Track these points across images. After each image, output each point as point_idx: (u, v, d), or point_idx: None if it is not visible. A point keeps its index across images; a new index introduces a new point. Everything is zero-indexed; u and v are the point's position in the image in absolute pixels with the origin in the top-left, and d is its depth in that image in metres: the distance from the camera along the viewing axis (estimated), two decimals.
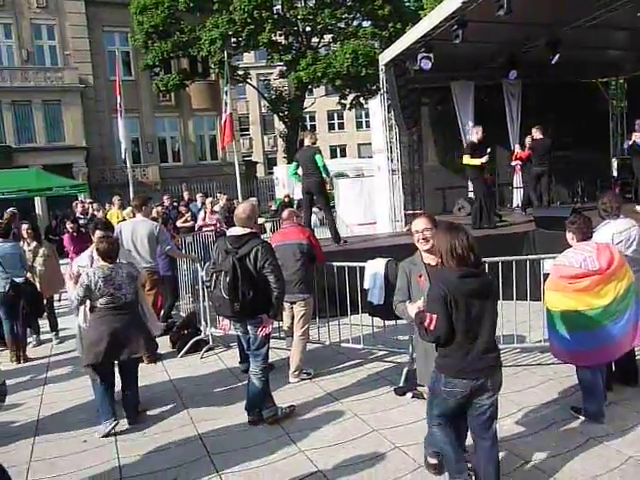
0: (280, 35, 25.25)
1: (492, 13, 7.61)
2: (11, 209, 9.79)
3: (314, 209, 9.50)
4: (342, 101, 27.36)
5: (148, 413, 4.81)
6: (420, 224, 3.71)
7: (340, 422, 4.39)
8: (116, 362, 4.62)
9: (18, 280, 6.39)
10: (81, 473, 3.83)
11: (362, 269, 5.56)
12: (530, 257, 6.16)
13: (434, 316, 2.94)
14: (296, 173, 7.79)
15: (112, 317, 4.48)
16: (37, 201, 18.94)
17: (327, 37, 26.56)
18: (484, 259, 5.28)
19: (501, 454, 3.52)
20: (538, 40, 9.91)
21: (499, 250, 5.97)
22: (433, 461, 3.47)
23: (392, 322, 5.49)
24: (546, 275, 4.55)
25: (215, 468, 3.81)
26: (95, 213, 11.63)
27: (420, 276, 3.58)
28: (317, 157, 7.55)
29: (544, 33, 9.62)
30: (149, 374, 5.80)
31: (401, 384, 4.95)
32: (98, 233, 5.02)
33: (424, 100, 12.26)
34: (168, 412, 4.83)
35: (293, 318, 5.43)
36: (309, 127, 38.04)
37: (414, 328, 3.51)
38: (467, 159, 8.78)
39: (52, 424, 4.68)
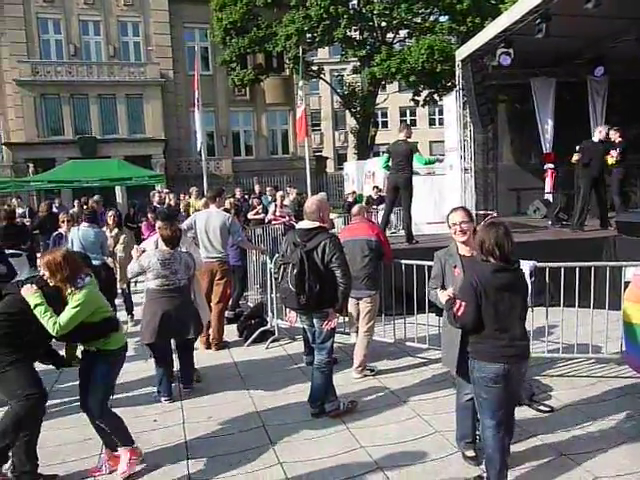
0: (355, 30, 25.19)
1: (579, 6, 7.25)
2: (97, 197, 10.36)
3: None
4: (415, 97, 26.94)
5: (219, 401, 4.96)
6: (457, 217, 3.72)
7: (402, 421, 4.36)
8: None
9: (95, 263, 6.70)
10: (153, 450, 4.02)
11: (430, 268, 5.46)
12: (610, 264, 5.85)
13: (463, 304, 3.15)
14: (387, 165, 7.76)
15: (165, 299, 4.82)
16: (117, 190, 19.93)
17: (402, 32, 26.21)
18: (561, 263, 5.15)
19: (568, 467, 3.39)
20: (628, 34, 9.33)
21: (577, 255, 5.70)
22: (470, 453, 3.64)
23: None
24: (627, 283, 4.31)
25: (277, 457, 3.89)
26: (171, 203, 12.09)
27: (455, 267, 3.63)
28: (416, 156, 7.57)
29: (634, 27, 9.05)
30: (216, 360, 6.02)
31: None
32: (159, 224, 5.30)
33: (501, 97, 11.87)
34: (233, 398, 4.96)
35: (359, 314, 5.43)
36: (381, 124, 37.78)
37: None
38: (610, 159, 8.32)
39: (121, 403, 4.92)
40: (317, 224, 4.29)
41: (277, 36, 23.43)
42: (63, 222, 6.99)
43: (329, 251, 4.15)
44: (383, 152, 8.08)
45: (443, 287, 3.64)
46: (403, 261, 5.83)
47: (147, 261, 4.88)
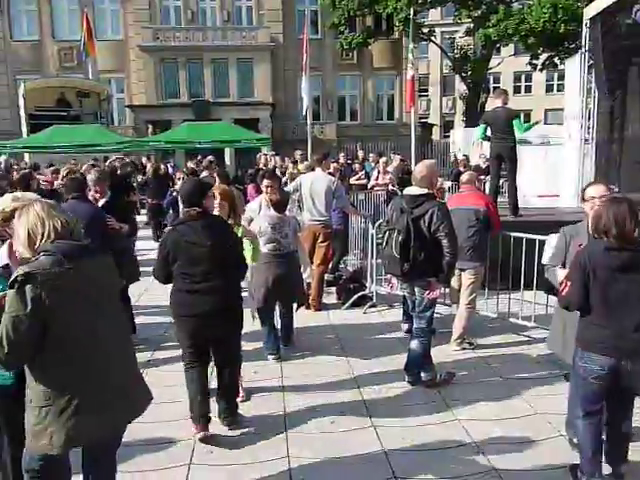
0: None
1: None
2: (209, 157, 10.83)
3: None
4: (533, 61, 25.16)
5: (316, 361, 5.11)
6: (598, 190, 3.47)
7: (501, 399, 4.23)
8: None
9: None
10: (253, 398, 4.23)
11: (542, 243, 5.17)
12: None
13: (569, 283, 2.94)
14: (485, 136, 7.35)
15: (276, 264, 4.89)
16: (227, 152, 20.70)
17: None
18: None
19: None
20: None
21: None
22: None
23: None
24: None
25: (370, 419, 3.94)
26: (276, 166, 12.35)
27: (580, 245, 3.30)
28: (516, 123, 7.06)
29: None
30: (314, 320, 6.16)
31: None
32: (265, 182, 5.35)
33: (635, 60, 10.74)
34: (329, 359, 5.08)
35: (461, 286, 5.29)
36: (492, 89, 35.90)
37: None
38: None
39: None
40: (425, 191, 4.18)
41: None
42: (179, 179, 7.39)
43: (437, 219, 4.04)
44: (479, 123, 7.56)
45: (564, 266, 3.39)
46: (512, 233, 5.57)
47: (257, 227, 4.91)
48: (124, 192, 6.16)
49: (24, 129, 18.82)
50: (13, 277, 2.17)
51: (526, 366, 4.85)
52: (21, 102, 18.94)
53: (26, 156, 16.98)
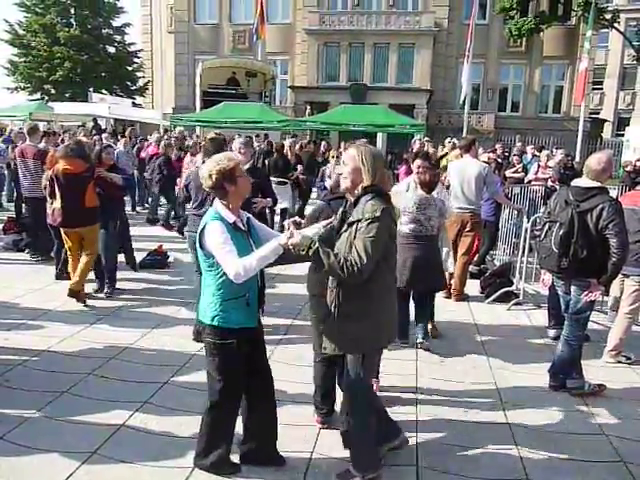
0: None
1: None
2: (363, 139, 10.99)
3: None
4: None
5: (453, 351, 5.01)
6: None
7: None
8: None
9: None
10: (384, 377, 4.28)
11: None
12: None
13: None
14: None
15: (416, 245, 4.75)
16: (379, 136, 20.79)
17: None
18: None
19: None
20: None
21: None
22: None
23: None
24: None
25: (505, 415, 3.80)
26: (429, 151, 12.13)
27: None
28: None
29: None
30: (455, 311, 6.03)
31: None
32: (417, 162, 5.18)
33: None
34: (467, 351, 4.94)
35: (622, 292, 4.82)
36: None
37: None
38: None
39: None
40: (597, 184, 3.85)
41: None
42: (333, 157, 7.60)
43: (607, 216, 3.71)
44: None
45: None
46: None
47: (403, 204, 4.79)
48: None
49: (198, 105, 20.59)
50: (380, 210, 2.64)
51: None
52: (197, 80, 20.71)
53: (197, 129, 18.60)
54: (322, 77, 26.21)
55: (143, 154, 11.84)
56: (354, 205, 2.75)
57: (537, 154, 12.15)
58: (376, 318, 2.81)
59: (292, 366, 4.41)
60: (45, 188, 5.75)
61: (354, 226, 2.66)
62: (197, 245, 2.83)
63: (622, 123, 36.11)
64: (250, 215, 3.04)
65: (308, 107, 24.58)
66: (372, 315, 2.79)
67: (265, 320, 5.11)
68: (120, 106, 24.06)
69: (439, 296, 5.89)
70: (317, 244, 2.62)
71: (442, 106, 26.13)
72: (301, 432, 3.48)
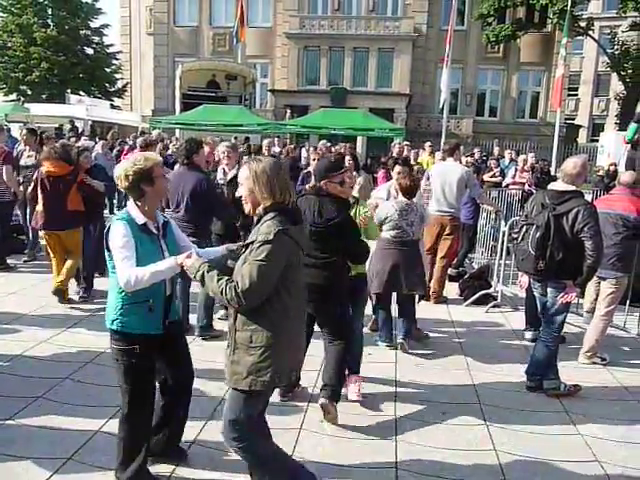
0: None
1: None
2: (343, 144, 11.02)
3: None
4: None
5: (432, 353, 5.03)
6: None
7: (633, 422, 3.88)
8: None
9: None
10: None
11: None
12: None
13: None
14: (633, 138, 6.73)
15: (397, 251, 4.79)
16: (359, 140, 20.90)
17: None
18: None
19: None
20: None
21: None
22: None
23: None
24: None
25: (484, 417, 3.83)
26: (409, 155, 12.21)
27: None
28: None
29: None
30: (434, 313, 6.07)
31: None
32: (397, 168, 5.28)
33: None
34: (446, 352, 4.98)
35: (598, 294, 4.91)
36: None
37: None
38: None
39: None
40: (573, 188, 3.92)
41: None
42: (314, 160, 7.57)
43: (582, 219, 3.78)
44: (632, 122, 6.83)
45: None
46: None
47: (385, 212, 4.85)
48: None
49: (177, 107, 20.44)
50: (273, 232, 2.38)
51: None
52: (177, 82, 20.57)
53: (177, 132, 18.46)
54: (302, 81, 26.23)
55: (124, 157, 11.67)
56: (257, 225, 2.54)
57: (514, 158, 12.33)
58: (272, 351, 2.49)
59: None
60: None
61: (249, 248, 2.46)
62: (104, 246, 2.72)
63: (597, 129, 36.85)
64: (170, 219, 2.95)
65: (288, 111, 24.55)
66: (266, 347, 2.48)
67: None
68: (98, 108, 23.77)
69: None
70: (203, 268, 2.49)
71: (421, 110, 26.36)
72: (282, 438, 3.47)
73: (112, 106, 27.80)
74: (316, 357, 4.09)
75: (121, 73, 32.32)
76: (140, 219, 2.72)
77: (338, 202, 3.60)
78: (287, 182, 2.56)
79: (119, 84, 32.40)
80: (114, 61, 32.38)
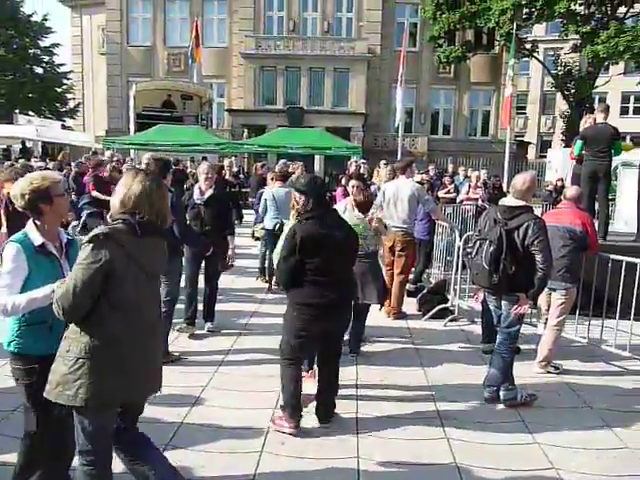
0: (580, 5, 22.86)
1: None
2: (300, 163, 11.09)
3: None
4: None
5: (392, 368, 5.06)
6: None
7: (586, 428, 3.99)
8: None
9: (286, 221, 7.12)
10: None
11: None
12: None
13: None
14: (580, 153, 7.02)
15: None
16: (317, 158, 21.09)
17: (638, 6, 23.08)
18: None
19: None
20: None
21: None
22: None
23: None
24: None
25: (444, 431, 3.86)
26: (365, 174, 12.36)
27: None
28: (618, 143, 6.75)
29: None
30: (393, 328, 6.13)
31: None
32: (352, 182, 5.46)
33: None
34: (405, 368, 5.00)
35: (550, 306, 5.06)
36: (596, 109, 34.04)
37: None
38: None
39: None
40: (523, 203, 4.06)
41: (490, 11, 22.32)
42: (272, 180, 7.59)
43: (532, 233, 3.91)
44: (576, 139, 7.19)
45: None
46: (612, 256, 5.26)
47: None
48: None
49: (132, 127, 20.16)
50: (94, 233, 2.34)
51: (617, 397, 4.54)
52: (131, 102, 20.33)
53: (132, 152, 18.20)
54: (259, 100, 26.35)
55: (86, 178, 11.26)
56: None
57: (468, 175, 12.67)
58: (86, 366, 2.35)
59: (231, 392, 4.34)
60: None
61: None
62: None
63: (545, 145, 38.36)
64: (75, 238, 2.88)
65: (245, 130, 24.60)
66: (79, 359, 2.36)
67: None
68: (49, 128, 23.21)
69: (378, 314, 6.01)
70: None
71: (377, 129, 26.84)
72: (241, 458, 3.42)
73: (64, 126, 27.17)
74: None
75: (73, 93, 31.74)
76: (37, 240, 2.63)
77: None
78: (150, 196, 2.46)
79: (71, 104, 31.79)
80: (65, 81, 31.79)
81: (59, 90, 31.34)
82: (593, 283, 5.45)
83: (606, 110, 6.94)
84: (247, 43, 25.83)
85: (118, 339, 2.40)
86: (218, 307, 6.02)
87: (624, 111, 38.31)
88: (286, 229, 4.18)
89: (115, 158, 11.94)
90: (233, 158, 14.77)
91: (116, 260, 2.34)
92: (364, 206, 5.07)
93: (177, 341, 5.37)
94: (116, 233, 2.37)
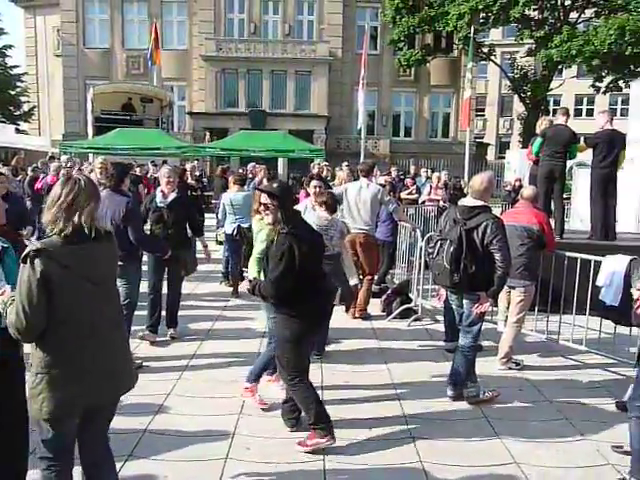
0: (534, 10, 23.54)
1: None
2: (263, 166, 11.05)
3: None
4: (596, 84, 24.57)
5: (357, 369, 5.08)
6: None
7: (546, 421, 4.10)
8: None
9: (244, 225, 7.07)
10: None
11: (598, 264, 5.03)
12: None
13: None
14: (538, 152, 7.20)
15: None
16: (280, 161, 21.03)
17: (589, 11, 23.91)
18: None
19: None
20: None
21: None
22: None
23: (625, 329, 4.87)
24: None
25: (409, 430, 3.89)
26: (328, 175, 12.37)
27: None
28: (574, 146, 6.98)
29: None
30: (357, 329, 6.15)
31: (625, 398, 4.39)
32: (313, 182, 5.52)
33: None
34: (370, 368, 5.04)
35: (509, 303, 5.18)
36: (552, 112, 35.06)
37: None
38: None
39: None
40: (481, 203, 4.14)
41: (449, 15, 22.73)
42: (234, 183, 7.51)
43: (490, 232, 3.99)
44: (536, 136, 7.36)
45: None
46: (567, 253, 5.41)
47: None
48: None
49: (90, 131, 19.70)
50: (26, 252, 2.29)
51: (575, 391, 4.67)
52: (89, 106, 19.86)
53: (90, 156, 17.76)
54: (221, 103, 26.13)
55: (39, 184, 10.92)
56: None
57: (429, 176, 12.84)
58: (45, 380, 2.36)
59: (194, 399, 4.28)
60: None
61: None
62: None
63: (503, 146, 39.29)
64: (10, 246, 2.78)
65: (207, 133, 24.36)
66: (39, 374, 2.38)
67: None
68: (1, 132, 22.45)
69: (343, 315, 6.03)
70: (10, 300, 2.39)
71: (340, 131, 26.99)
72: (206, 466, 3.37)
73: (17, 130, 26.34)
74: None
75: (27, 96, 30.81)
76: None
77: None
78: (79, 203, 2.39)
79: (25, 107, 30.85)
80: (19, 83, 30.84)
81: (12, 93, 30.37)
82: (550, 280, 5.58)
83: (566, 114, 7.15)
84: (207, 46, 25.59)
85: (69, 350, 2.38)
86: (181, 312, 5.93)
87: (577, 113, 39.55)
88: (261, 235, 4.10)
89: (69, 164, 11.61)
90: (195, 162, 14.53)
91: (52, 274, 2.29)
92: (330, 206, 5.07)
93: (139, 348, 5.26)
94: (48, 246, 2.32)
